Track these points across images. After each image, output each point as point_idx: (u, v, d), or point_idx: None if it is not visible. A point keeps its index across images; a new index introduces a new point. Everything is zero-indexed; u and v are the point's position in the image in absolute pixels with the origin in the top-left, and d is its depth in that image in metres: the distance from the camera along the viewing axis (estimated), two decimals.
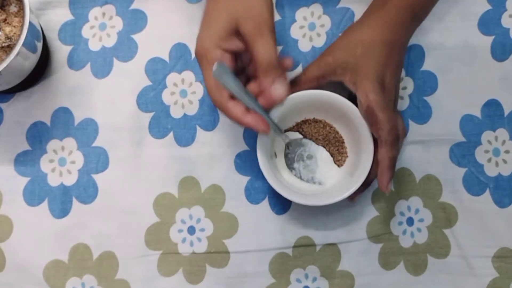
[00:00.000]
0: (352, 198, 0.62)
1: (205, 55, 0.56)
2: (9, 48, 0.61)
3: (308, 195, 0.63)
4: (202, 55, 0.57)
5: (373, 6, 0.63)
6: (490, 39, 0.68)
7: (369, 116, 0.59)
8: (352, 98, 0.61)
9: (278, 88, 0.57)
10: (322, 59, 0.62)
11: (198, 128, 0.68)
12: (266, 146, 0.62)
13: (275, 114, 0.61)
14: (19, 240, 0.66)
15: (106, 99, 0.68)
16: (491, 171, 0.67)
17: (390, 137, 0.58)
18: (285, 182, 0.64)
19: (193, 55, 0.68)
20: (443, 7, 0.68)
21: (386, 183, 0.59)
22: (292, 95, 0.61)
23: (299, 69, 0.68)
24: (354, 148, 0.64)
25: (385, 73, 0.60)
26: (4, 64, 0.58)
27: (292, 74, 0.67)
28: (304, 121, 0.65)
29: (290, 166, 0.65)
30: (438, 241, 0.67)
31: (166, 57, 0.68)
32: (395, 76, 0.62)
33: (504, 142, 0.68)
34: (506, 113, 0.68)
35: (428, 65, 0.68)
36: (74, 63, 0.68)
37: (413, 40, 0.67)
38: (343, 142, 0.65)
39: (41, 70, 0.67)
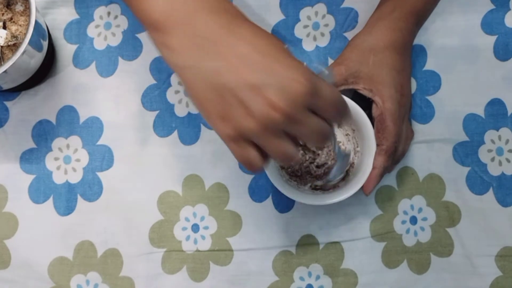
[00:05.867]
0: (368, 191, 0.61)
1: (319, 86, 0.44)
2: (15, 46, 0.62)
3: (311, 194, 0.63)
4: (312, 89, 0.43)
5: (380, 14, 0.64)
6: (493, 38, 0.69)
7: (379, 123, 0.60)
8: (356, 100, 0.62)
9: None
10: (333, 69, 0.63)
11: (202, 126, 0.68)
12: None
13: None
14: (24, 237, 0.66)
15: (111, 97, 0.68)
16: (494, 170, 0.68)
17: (391, 149, 0.60)
18: (288, 180, 0.64)
19: None
20: (446, 6, 0.68)
21: (372, 189, 0.61)
22: None
23: None
24: (357, 149, 0.64)
25: (402, 78, 0.62)
26: (10, 62, 0.58)
27: None
28: None
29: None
30: (441, 240, 0.67)
31: None
32: (410, 80, 0.63)
33: (507, 141, 0.68)
34: (509, 112, 0.68)
35: (430, 64, 0.69)
36: (79, 61, 0.69)
37: (415, 40, 0.67)
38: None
39: (46, 69, 0.68)
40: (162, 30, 0.44)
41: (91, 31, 0.69)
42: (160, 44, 0.45)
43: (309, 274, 0.66)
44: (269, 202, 0.67)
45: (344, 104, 0.47)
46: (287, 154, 0.45)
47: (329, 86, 0.45)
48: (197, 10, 0.44)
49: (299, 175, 0.65)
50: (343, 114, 0.47)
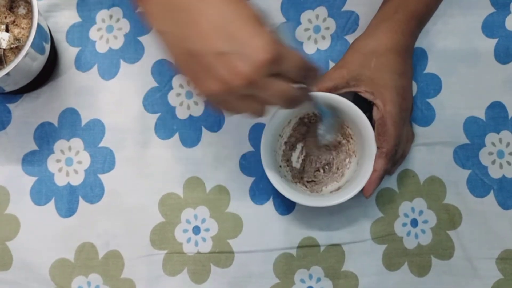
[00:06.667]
0: (368, 193, 0.61)
1: (282, 53, 0.45)
2: (18, 49, 0.62)
3: (312, 196, 0.63)
4: (277, 55, 0.45)
5: (383, 16, 0.64)
6: (493, 41, 0.69)
7: (380, 126, 0.60)
8: (356, 103, 0.62)
9: None
10: (335, 71, 0.63)
11: (203, 129, 0.68)
12: (270, 147, 0.63)
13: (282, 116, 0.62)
14: (25, 239, 0.66)
15: (113, 100, 0.69)
16: (495, 173, 0.68)
17: (391, 152, 0.60)
18: (289, 182, 0.64)
19: None
20: (447, 9, 0.69)
21: (372, 192, 0.61)
22: None
23: None
24: (358, 151, 0.64)
25: (404, 81, 0.62)
26: (13, 65, 0.58)
27: None
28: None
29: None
30: (442, 243, 0.67)
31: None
32: (411, 83, 0.63)
33: (508, 144, 0.68)
34: (510, 115, 0.68)
35: (431, 67, 0.69)
36: (81, 64, 0.69)
37: (416, 43, 0.67)
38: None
39: (49, 71, 0.68)
40: None
41: (93, 34, 0.70)
42: (143, 11, 0.48)
43: (310, 277, 0.66)
44: (270, 204, 0.67)
45: (309, 67, 0.48)
46: (251, 113, 0.48)
47: (292, 51, 0.46)
48: None
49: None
50: (308, 76, 0.49)
